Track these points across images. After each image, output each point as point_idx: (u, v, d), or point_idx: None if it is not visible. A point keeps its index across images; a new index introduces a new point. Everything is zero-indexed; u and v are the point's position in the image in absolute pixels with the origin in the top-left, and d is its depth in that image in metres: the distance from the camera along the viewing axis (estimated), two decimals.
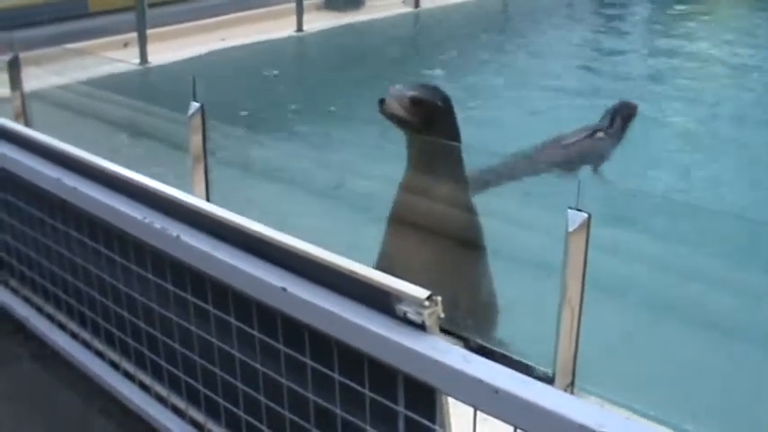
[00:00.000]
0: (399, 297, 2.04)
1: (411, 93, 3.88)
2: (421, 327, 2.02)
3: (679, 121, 8.36)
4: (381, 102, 3.84)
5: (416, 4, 12.57)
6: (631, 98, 7.58)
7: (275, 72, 8.84)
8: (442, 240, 3.95)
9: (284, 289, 2.29)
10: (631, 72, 9.96)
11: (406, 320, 2.05)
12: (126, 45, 9.67)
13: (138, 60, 9.23)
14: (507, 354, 3.68)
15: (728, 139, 7.91)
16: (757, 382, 3.90)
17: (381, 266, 4.07)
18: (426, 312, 2.00)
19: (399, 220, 4.02)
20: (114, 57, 8.98)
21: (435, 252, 3.95)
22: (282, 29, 11.08)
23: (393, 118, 3.86)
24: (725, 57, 10.72)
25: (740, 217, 5.26)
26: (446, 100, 3.97)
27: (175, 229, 2.65)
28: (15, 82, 6.17)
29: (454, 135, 3.97)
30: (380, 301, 2.09)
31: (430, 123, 3.88)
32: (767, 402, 3.80)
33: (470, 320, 3.92)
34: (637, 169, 6.94)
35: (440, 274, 3.89)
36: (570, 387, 3.50)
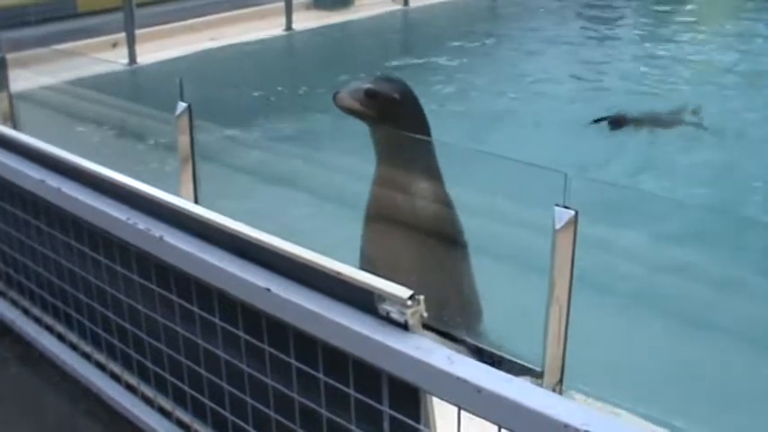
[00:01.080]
0: (382, 296, 2.04)
1: (366, 86, 3.84)
2: (404, 326, 2.01)
3: None
4: (335, 95, 3.82)
5: (405, 2, 12.56)
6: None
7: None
8: (418, 236, 3.91)
9: (268, 289, 2.27)
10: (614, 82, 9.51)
11: (389, 320, 2.04)
12: (115, 45, 9.65)
13: (126, 60, 9.21)
14: (495, 351, 3.68)
15: None
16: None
17: (363, 265, 4.05)
18: (409, 312, 1.99)
19: (374, 217, 4.00)
20: (103, 57, 8.97)
21: (412, 248, 3.92)
22: (271, 28, 11.07)
23: (347, 111, 3.83)
24: None
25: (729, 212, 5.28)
26: (405, 92, 3.92)
27: (159, 230, 2.63)
28: (2, 83, 6.14)
29: (419, 126, 3.91)
30: (364, 300, 2.08)
31: (389, 116, 3.83)
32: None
33: (454, 317, 3.91)
34: None
35: (419, 270, 3.85)
36: (559, 385, 3.50)
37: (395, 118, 3.84)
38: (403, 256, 3.89)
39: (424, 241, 3.94)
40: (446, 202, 3.96)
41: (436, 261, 3.99)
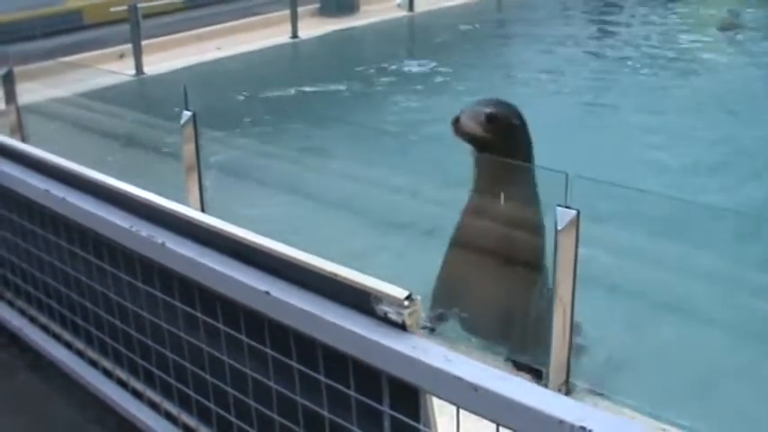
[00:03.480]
0: (379, 297, 2.05)
1: (487, 110, 3.76)
2: (401, 326, 2.03)
3: None
4: (456, 121, 3.73)
5: (410, 8, 12.58)
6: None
7: None
8: (509, 268, 3.82)
9: (268, 293, 2.30)
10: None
11: (387, 321, 2.06)
12: (122, 56, 9.70)
13: (133, 71, 9.26)
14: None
15: None
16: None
17: (442, 290, 4.00)
18: (406, 312, 2.01)
19: (464, 245, 3.92)
20: (110, 68, 9.03)
21: (500, 279, 3.86)
22: (277, 36, 11.11)
23: (468, 137, 3.74)
24: None
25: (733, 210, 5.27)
26: (521, 117, 3.85)
27: (161, 237, 2.66)
28: (10, 96, 6.21)
29: (528, 153, 3.86)
30: (361, 301, 2.10)
31: (505, 141, 3.76)
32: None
33: (532, 346, 3.83)
34: None
35: (505, 302, 3.84)
36: (565, 385, 3.50)
37: (510, 143, 3.78)
38: (494, 284, 3.85)
39: (516, 272, 3.85)
40: (541, 233, 3.82)
41: (524, 291, 3.90)
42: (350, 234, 5.30)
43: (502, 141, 3.75)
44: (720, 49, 10.99)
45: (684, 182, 6.42)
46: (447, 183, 5.07)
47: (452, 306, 3.99)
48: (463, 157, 3.90)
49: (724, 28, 11.79)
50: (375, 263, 4.65)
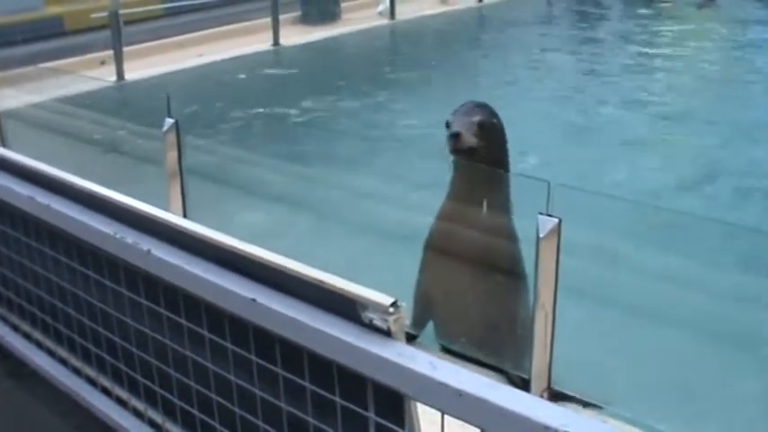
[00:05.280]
0: (364, 304, 2.07)
1: (476, 118, 3.65)
2: (386, 333, 2.05)
3: None
4: (455, 137, 3.58)
5: (392, 17, 12.64)
6: None
7: None
8: (485, 272, 3.79)
9: (254, 300, 2.31)
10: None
11: (372, 327, 2.08)
12: (103, 63, 9.69)
13: (114, 78, 9.24)
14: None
15: None
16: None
17: (420, 298, 3.99)
18: (391, 319, 2.03)
19: (438, 250, 3.86)
20: (91, 75, 9.01)
21: (477, 284, 3.83)
22: (259, 43, 11.13)
23: (468, 150, 3.61)
24: None
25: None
26: (498, 115, 3.78)
27: (146, 244, 2.66)
28: None
29: (506, 151, 3.81)
30: (347, 308, 2.12)
31: (492, 144, 3.68)
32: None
33: (510, 352, 3.85)
34: None
35: (482, 306, 3.84)
36: (546, 391, 3.54)
37: (496, 144, 3.71)
38: (470, 291, 3.83)
39: (493, 279, 3.83)
40: (514, 237, 3.82)
41: (500, 297, 3.89)
42: None
43: (490, 144, 3.69)
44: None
45: None
46: None
47: (431, 312, 4.02)
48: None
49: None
50: None
